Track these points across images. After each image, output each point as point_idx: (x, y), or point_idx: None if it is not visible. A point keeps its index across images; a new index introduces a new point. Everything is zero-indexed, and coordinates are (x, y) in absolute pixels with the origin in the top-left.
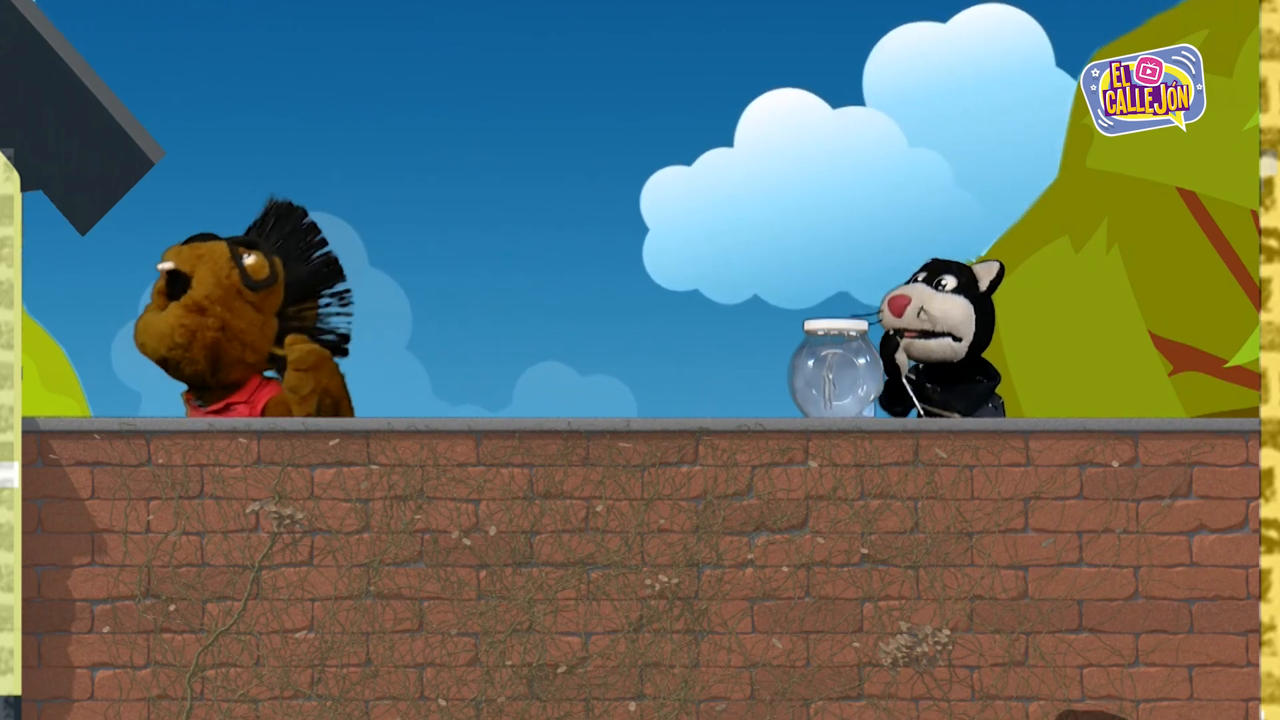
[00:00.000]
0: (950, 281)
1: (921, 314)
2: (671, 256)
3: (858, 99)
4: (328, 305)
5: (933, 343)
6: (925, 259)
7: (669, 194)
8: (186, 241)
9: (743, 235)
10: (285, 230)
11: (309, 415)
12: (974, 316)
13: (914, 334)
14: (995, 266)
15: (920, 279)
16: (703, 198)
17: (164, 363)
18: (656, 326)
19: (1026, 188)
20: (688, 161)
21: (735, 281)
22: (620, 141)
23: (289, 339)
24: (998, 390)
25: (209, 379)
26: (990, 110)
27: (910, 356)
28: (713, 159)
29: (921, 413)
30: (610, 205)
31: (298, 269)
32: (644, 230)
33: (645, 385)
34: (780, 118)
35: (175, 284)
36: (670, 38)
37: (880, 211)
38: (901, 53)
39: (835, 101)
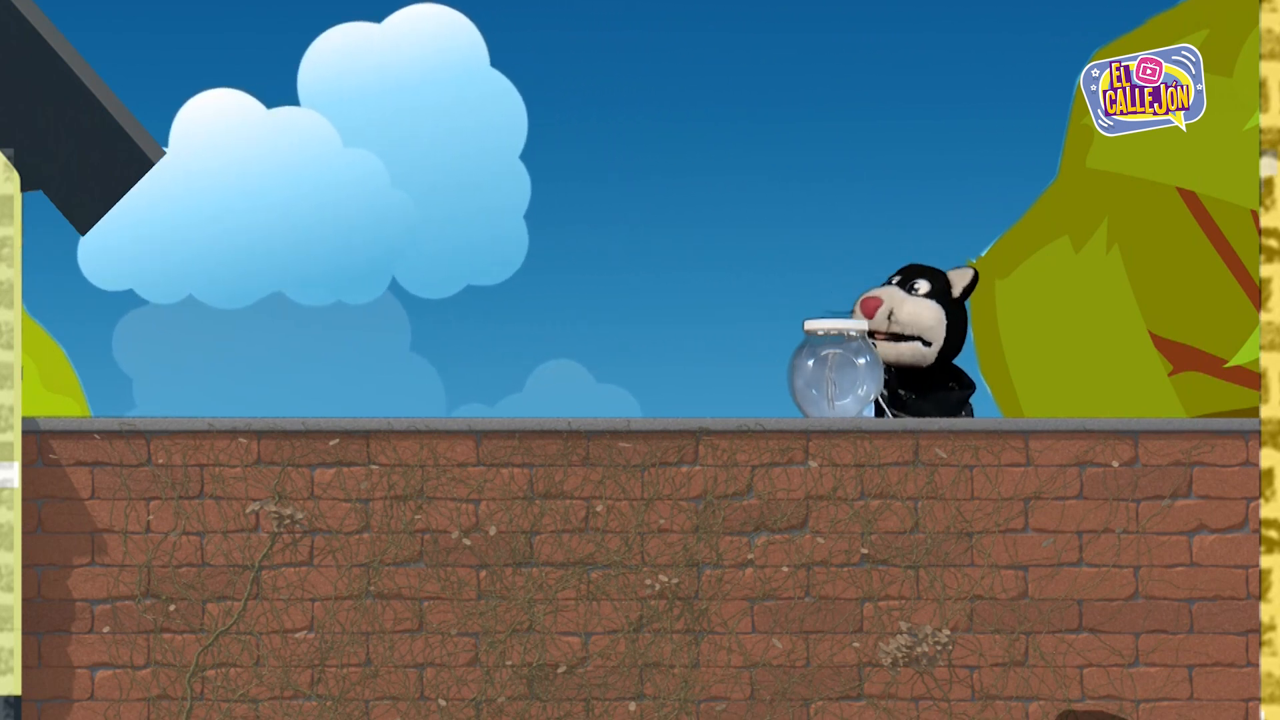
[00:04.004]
0: (923, 286)
1: (891, 317)
2: (107, 256)
3: (292, 99)
4: None
5: (902, 346)
6: (365, 257)
7: None
8: None
9: (178, 234)
10: None
11: None
12: (945, 322)
13: (883, 337)
14: (969, 273)
15: (895, 282)
16: (137, 198)
17: None
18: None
19: (466, 189)
20: None
21: (171, 281)
22: None
23: None
24: (972, 399)
25: None
26: (425, 110)
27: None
28: None
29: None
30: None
31: None
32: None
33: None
34: (214, 119)
35: None
36: (103, 39)
37: (315, 211)
38: (337, 52)
39: (270, 101)
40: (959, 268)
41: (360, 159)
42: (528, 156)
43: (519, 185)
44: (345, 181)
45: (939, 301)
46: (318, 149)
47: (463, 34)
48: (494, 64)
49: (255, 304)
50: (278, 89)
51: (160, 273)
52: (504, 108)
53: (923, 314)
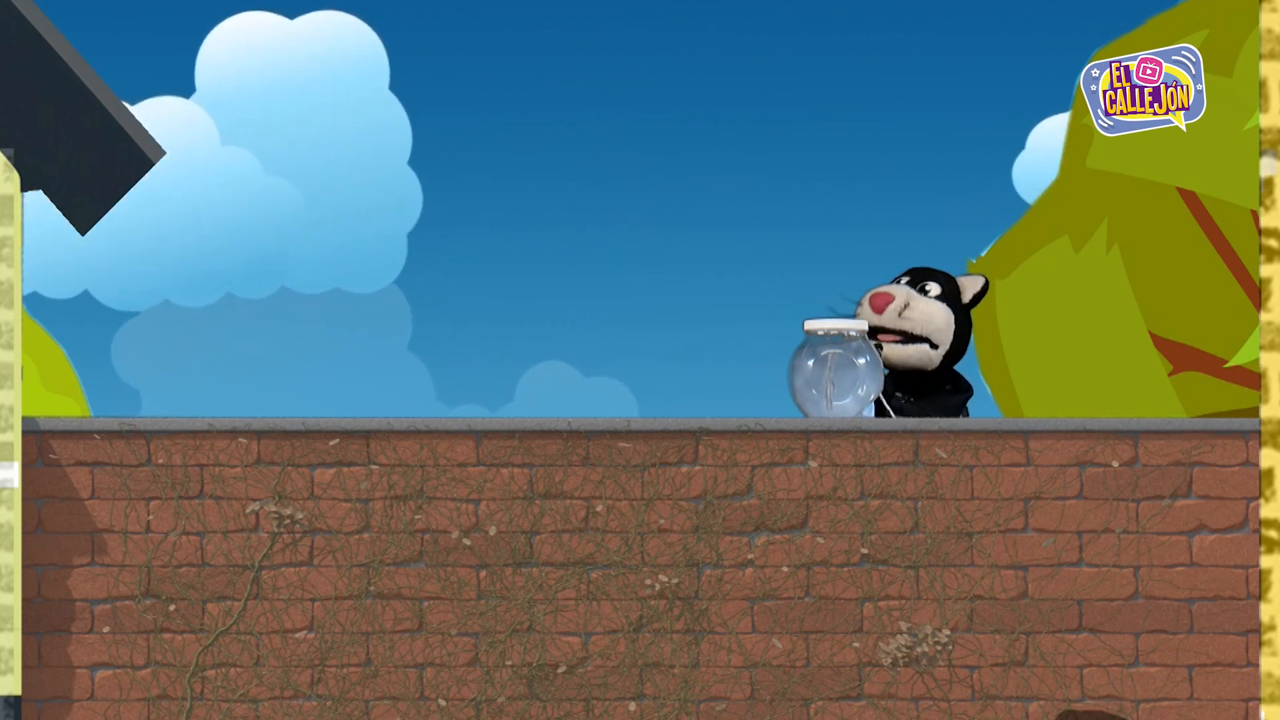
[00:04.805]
0: (934, 288)
1: (904, 313)
2: None
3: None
4: None
5: (910, 349)
6: (249, 258)
7: None
8: None
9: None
10: None
11: None
12: (953, 326)
13: (893, 339)
14: (980, 281)
15: (904, 282)
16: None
17: None
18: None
19: (352, 193)
20: None
21: (65, 278)
22: None
23: None
24: (972, 400)
25: None
26: (311, 112)
27: (884, 363)
28: None
29: None
30: None
31: None
32: None
33: None
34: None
35: None
36: (105, 39)
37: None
38: (234, 44)
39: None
40: (969, 275)
41: (238, 156)
42: (415, 162)
43: (407, 192)
44: (223, 179)
45: (949, 304)
46: (199, 142)
47: (366, 44)
48: (393, 80)
49: (149, 309)
50: (178, 73)
51: (57, 270)
52: (391, 117)
53: (935, 315)
